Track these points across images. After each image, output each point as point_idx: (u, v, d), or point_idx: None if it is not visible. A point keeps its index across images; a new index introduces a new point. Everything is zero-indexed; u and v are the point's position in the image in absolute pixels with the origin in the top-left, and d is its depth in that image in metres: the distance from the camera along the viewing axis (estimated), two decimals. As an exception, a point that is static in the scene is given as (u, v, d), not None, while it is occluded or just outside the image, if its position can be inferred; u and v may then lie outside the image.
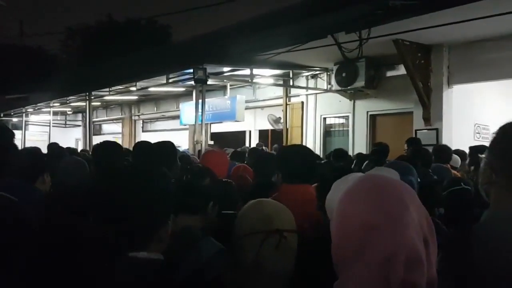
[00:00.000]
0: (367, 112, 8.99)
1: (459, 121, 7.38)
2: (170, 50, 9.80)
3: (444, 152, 4.89)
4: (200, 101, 7.22)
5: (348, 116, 9.36)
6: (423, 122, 7.45)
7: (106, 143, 3.43)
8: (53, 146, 7.27)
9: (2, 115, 15.18)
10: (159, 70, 8.32)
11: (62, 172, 3.20)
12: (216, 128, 12.82)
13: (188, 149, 8.94)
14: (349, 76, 8.36)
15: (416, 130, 7.58)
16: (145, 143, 3.88)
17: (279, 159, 2.71)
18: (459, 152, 5.34)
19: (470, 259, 1.19)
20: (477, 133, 7.80)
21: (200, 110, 7.23)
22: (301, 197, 2.27)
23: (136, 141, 15.19)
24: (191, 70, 7.17)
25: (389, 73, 8.25)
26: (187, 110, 10.21)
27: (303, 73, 9.63)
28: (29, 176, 2.55)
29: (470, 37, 6.77)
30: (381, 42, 6.70)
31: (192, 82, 7.44)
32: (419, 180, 2.43)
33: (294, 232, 1.51)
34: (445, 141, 7.13)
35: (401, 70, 7.54)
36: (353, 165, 4.67)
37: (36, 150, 3.11)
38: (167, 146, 3.47)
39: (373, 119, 9.02)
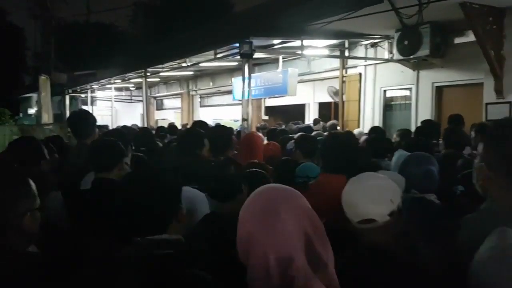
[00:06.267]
0: (433, 83, 8.21)
1: (537, 94, 6.49)
2: (219, 24, 9.55)
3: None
4: (247, 76, 6.92)
5: (411, 88, 8.62)
6: (494, 95, 6.64)
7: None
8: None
9: (70, 91, 15.87)
10: (207, 45, 8.10)
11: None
12: (273, 102, 12.52)
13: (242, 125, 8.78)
14: (412, 44, 7.60)
15: (486, 104, 6.79)
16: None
17: (321, 147, 2.82)
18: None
19: (454, 247, 1.49)
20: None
21: (247, 85, 6.95)
22: (336, 190, 2.13)
23: (194, 116, 15.41)
24: (238, 44, 6.85)
25: (457, 40, 7.36)
26: (238, 85, 9.97)
27: (362, 41, 8.95)
28: None
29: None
30: (447, 6, 5.96)
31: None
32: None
33: None
34: (519, 116, 6.34)
35: (471, 37, 6.69)
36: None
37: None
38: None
39: (439, 91, 8.24)
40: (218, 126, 4.05)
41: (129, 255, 1.37)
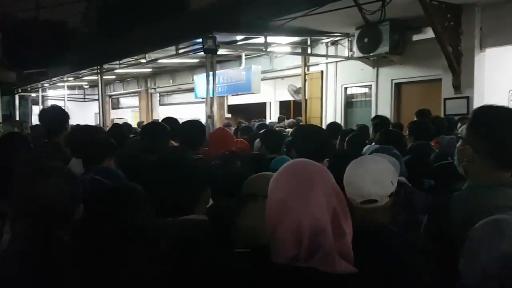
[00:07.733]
0: (392, 80, 8.38)
1: (492, 88, 6.70)
2: (180, 19, 9.35)
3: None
4: (211, 73, 6.78)
5: (371, 85, 8.78)
6: (452, 90, 6.85)
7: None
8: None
9: (20, 90, 15.10)
10: (168, 41, 7.89)
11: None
12: (235, 100, 12.43)
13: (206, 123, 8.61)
14: (372, 42, 7.73)
15: (445, 99, 7.00)
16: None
17: (293, 139, 3.11)
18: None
19: (447, 221, 1.61)
20: (512, 100, 7.15)
21: (212, 82, 6.80)
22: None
23: (153, 115, 15.06)
24: (201, 40, 6.70)
25: (416, 37, 7.55)
26: (201, 82, 9.81)
27: (323, 39, 9.03)
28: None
29: (505, -6, 6.10)
30: (407, 3, 6.09)
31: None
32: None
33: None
34: (476, 110, 6.57)
35: (429, 34, 6.88)
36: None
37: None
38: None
39: (398, 88, 8.42)
40: (193, 121, 3.98)
41: (161, 234, 1.50)
